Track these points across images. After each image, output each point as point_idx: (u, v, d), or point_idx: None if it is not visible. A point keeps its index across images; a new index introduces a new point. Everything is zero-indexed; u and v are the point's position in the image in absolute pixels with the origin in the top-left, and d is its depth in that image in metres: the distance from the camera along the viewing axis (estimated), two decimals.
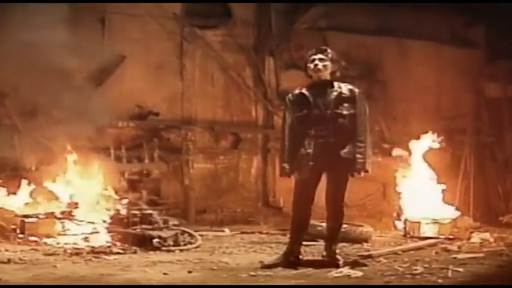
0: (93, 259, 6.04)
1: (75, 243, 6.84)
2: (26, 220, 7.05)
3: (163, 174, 9.35)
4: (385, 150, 10.33)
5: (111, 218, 7.20)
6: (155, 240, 6.87)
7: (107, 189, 7.69)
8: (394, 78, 10.69)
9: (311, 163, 5.65)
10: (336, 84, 5.84)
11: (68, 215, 7.14)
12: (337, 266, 5.59)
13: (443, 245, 7.17)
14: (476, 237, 7.80)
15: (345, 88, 5.81)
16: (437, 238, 7.80)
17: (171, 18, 9.59)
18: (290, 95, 5.96)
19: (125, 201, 7.64)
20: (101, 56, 9.24)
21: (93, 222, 7.09)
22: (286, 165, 5.77)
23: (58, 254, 6.27)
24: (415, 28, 10.67)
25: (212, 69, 9.91)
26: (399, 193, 8.51)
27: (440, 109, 10.84)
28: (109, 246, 6.66)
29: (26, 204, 7.34)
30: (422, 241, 7.54)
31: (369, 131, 5.81)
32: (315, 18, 10.29)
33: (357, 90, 5.86)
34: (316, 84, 5.84)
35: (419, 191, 8.39)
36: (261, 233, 8.59)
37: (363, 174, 5.82)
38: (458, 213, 8.26)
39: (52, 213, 7.12)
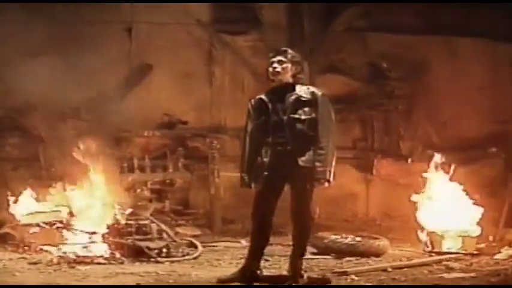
0: (63, 269, 6.09)
1: (72, 253, 6.95)
2: (27, 229, 7.27)
3: (188, 183, 9.32)
4: (430, 157, 9.67)
5: (108, 227, 7.23)
6: (154, 252, 6.89)
7: (111, 199, 7.72)
8: (443, 79, 9.99)
9: (265, 173, 5.37)
10: (297, 87, 5.51)
11: (66, 225, 7.27)
12: (296, 283, 5.26)
13: (450, 262, 6.56)
14: (504, 253, 7.09)
15: (305, 91, 5.47)
16: (458, 253, 7.18)
17: (198, 26, 9.57)
18: (252, 100, 5.70)
19: (129, 211, 7.64)
20: (128, 65, 9.44)
21: (88, 232, 7.15)
22: (244, 176, 5.52)
23: (41, 263, 6.39)
24: (466, 24, 9.90)
25: (242, 75, 9.76)
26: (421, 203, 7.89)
27: (495, 111, 9.98)
28: (94, 256, 6.69)
29: (30, 213, 7.52)
30: (434, 257, 6.98)
31: (332, 137, 5.42)
32: (353, 19, 9.84)
33: (319, 93, 5.50)
34: (277, 88, 5.55)
35: (445, 201, 7.73)
36: (280, 245, 8.32)
37: (327, 184, 5.45)
38: (479, 227, 7.49)
39: (50, 222, 7.27)
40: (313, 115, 5.39)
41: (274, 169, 5.37)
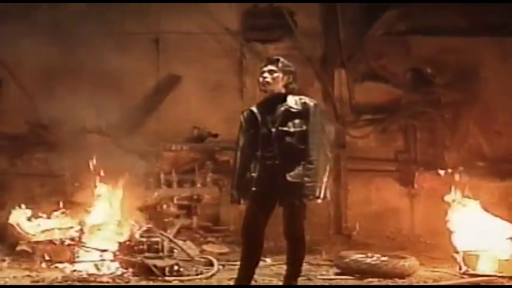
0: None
1: (81, 271, 7.07)
2: (41, 246, 7.45)
3: (216, 198, 9.29)
4: (481, 169, 9.24)
5: (120, 245, 7.31)
6: (164, 270, 6.92)
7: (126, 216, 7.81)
8: (495, 83, 9.52)
9: (253, 188, 5.27)
10: (289, 98, 5.38)
11: (77, 242, 7.40)
12: None
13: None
14: None
15: (297, 101, 5.33)
16: (494, 276, 6.79)
17: (228, 34, 9.56)
18: (244, 113, 5.62)
19: (144, 227, 7.70)
20: (156, 77, 9.54)
21: (99, 249, 7.25)
22: (234, 192, 5.44)
23: (43, 282, 6.53)
24: None
25: None
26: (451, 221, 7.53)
27: None
28: (99, 275, 6.77)
29: (45, 230, 7.71)
30: (464, 279, 6.65)
31: (324, 150, 5.24)
32: (393, 22, 9.56)
33: (311, 103, 5.35)
34: (268, 99, 5.45)
35: (479, 220, 7.35)
36: (308, 263, 8.18)
37: (319, 201, 5.28)
38: None
39: (62, 239, 7.43)
40: (304, 127, 5.25)
41: (263, 185, 5.26)
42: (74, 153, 8.95)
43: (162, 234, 7.61)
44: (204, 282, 6.76)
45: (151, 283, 6.64)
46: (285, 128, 5.24)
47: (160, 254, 7.14)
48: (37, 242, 7.43)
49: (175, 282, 6.69)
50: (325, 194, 5.26)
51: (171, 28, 9.50)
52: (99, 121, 9.22)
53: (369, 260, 7.02)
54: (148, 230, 7.60)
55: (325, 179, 5.19)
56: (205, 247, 8.79)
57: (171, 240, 7.62)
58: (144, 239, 7.26)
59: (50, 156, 9.15)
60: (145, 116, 9.40)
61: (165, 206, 9.05)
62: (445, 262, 7.74)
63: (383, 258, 7.12)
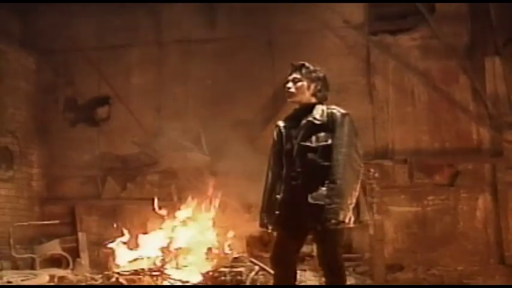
0: None
1: None
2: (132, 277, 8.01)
3: None
4: None
5: (203, 275, 7.64)
6: None
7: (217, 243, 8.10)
8: None
9: (277, 212, 5.26)
10: (316, 108, 5.27)
11: (161, 272, 7.87)
12: None
13: None
14: None
15: (323, 112, 5.16)
16: None
17: (352, 29, 9.48)
18: (276, 127, 5.61)
19: (233, 256, 7.94)
20: (273, 84, 9.76)
21: (182, 281, 7.64)
22: (263, 215, 5.43)
23: None
24: None
25: (411, 84, 9.25)
26: None
27: None
28: None
29: (133, 260, 8.28)
30: None
31: (352, 166, 4.97)
32: None
33: (338, 113, 5.09)
34: (296, 110, 5.40)
35: None
36: None
37: (352, 224, 5.11)
38: None
39: (148, 269, 7.93)
40: (330, 141, 5.10)
41: (287, 208, 5.18)
42: (183, 176, 9.55)
43: (254, 263, 7.79)
44: None
45: None
46: (307, 143, 5.07)
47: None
48: (119, 273, 7.99)
49: None
50: (358, 217, 5.08)
51: (284, 27, 9.51)
52: (205, 140, 9.70)
53: None
54: (238, 259, 7.85)
55: (352, 200, 4.99)
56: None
57: (264, 270, 7.78)
58: (226, 270, 7.52)
59: (160, 178, 9.80)
60: (260, 130, 9.59)
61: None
62: None
63: None
